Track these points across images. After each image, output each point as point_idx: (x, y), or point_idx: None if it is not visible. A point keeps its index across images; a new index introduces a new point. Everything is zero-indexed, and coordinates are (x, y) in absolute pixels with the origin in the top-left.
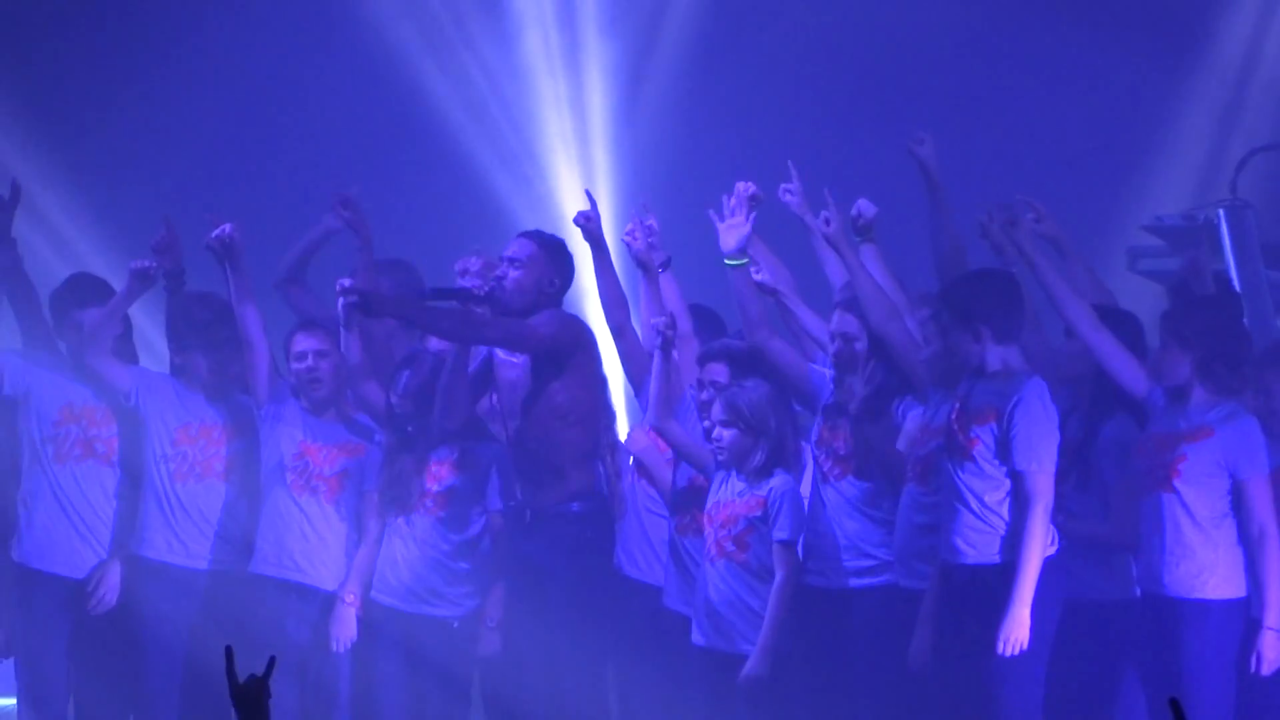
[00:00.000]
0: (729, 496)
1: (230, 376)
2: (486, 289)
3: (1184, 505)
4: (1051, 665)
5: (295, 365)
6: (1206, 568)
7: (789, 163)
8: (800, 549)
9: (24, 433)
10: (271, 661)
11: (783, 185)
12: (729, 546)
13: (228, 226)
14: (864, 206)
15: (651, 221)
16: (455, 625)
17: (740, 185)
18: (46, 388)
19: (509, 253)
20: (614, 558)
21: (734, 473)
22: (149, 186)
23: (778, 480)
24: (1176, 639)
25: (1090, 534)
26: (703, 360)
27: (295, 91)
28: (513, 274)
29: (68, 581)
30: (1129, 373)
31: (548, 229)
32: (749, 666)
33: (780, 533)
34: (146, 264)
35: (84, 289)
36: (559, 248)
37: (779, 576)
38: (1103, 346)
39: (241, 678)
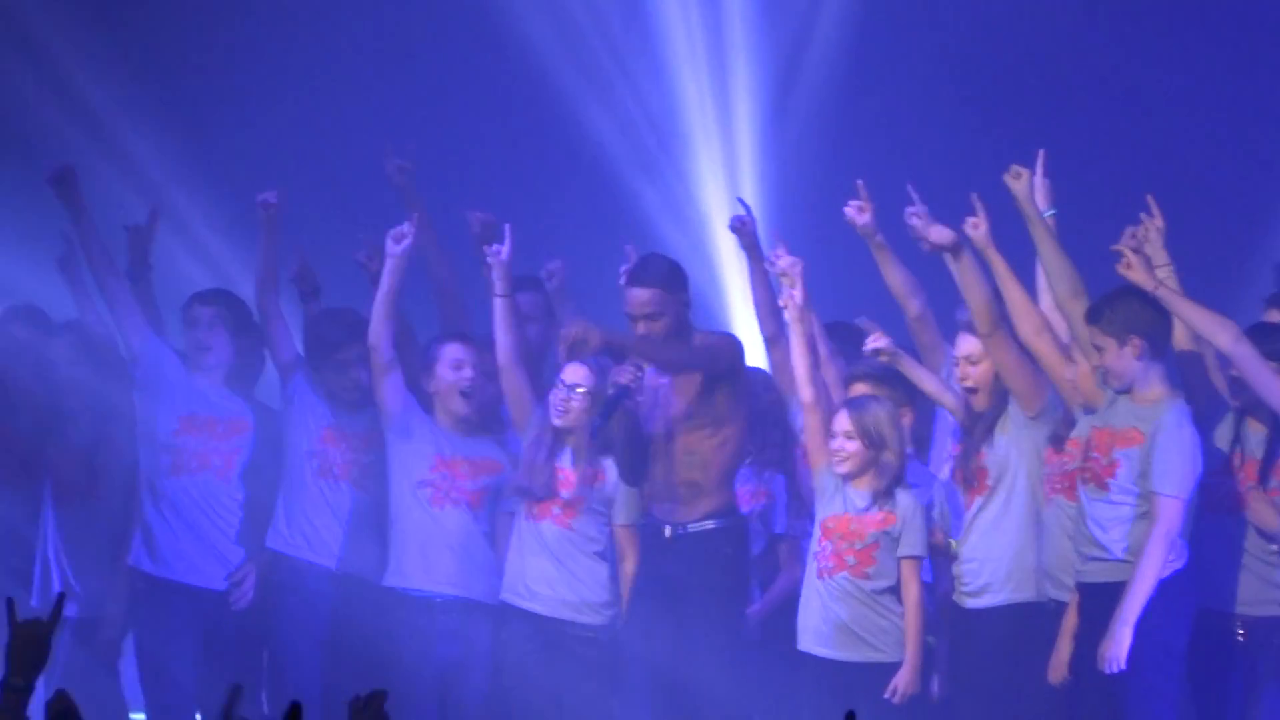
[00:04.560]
0: (848, 510)
1: (364, 391)
2: (637, 381)
3: None
4: (1190, 677)
5: (451, 375)
6: None
7: (908, 186)
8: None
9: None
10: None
11: (908, 209)
12: (850, 560)
13: (407, 229)
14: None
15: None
16: (603, 638)
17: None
18: (167, 396)
19: (638, 311)
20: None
21: (848, 486)
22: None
23: (907, 496)
24: None
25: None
26: (850, 381)
27: (434, 92)
28: (655, 327)
29: (196, 590)
30: (1272, 387)
31: (690, 233)
32: (906, 683)
33: (911, 549)
34: (266, 197)
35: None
36: (672, 271)
37: (913, 592)
38: (1245, 359)
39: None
